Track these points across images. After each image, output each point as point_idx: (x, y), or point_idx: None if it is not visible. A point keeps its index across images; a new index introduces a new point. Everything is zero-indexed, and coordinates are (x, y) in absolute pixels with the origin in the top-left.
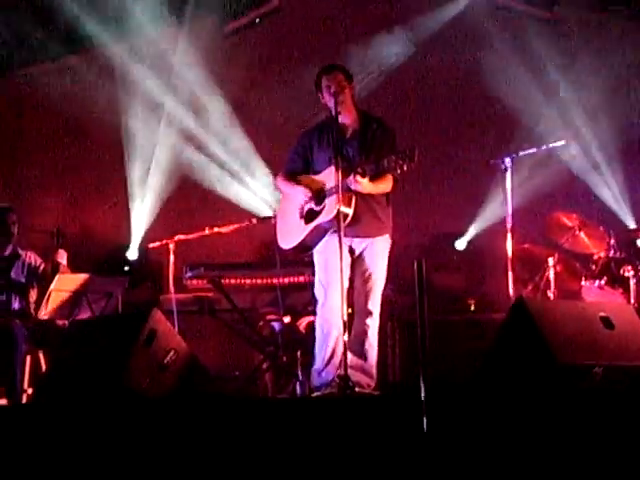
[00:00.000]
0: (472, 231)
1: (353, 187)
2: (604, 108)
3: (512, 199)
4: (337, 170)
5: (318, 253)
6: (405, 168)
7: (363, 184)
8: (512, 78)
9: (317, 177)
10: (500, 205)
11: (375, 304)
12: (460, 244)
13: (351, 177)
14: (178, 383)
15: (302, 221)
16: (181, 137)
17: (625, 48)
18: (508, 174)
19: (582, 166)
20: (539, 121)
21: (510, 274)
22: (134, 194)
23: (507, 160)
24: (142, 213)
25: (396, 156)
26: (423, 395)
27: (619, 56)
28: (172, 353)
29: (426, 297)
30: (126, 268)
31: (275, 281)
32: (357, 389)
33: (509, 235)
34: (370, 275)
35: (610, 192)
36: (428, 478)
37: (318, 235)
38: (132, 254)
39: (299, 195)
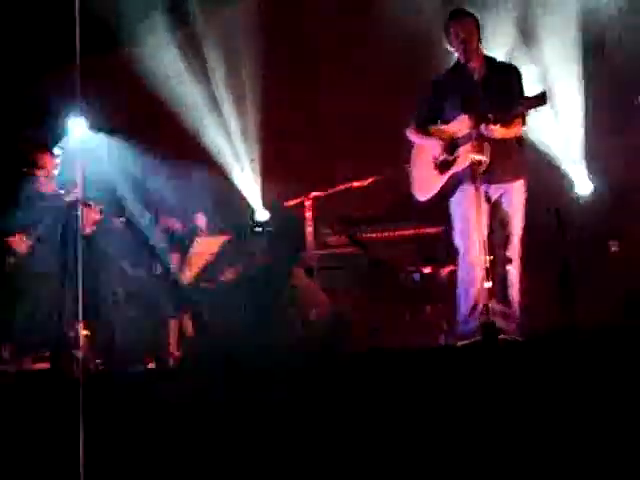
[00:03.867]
0: None
1: (486, 133)
2: None
3: None
4: (470, 118)
5: (455, 203)
6: (536, 111)
7: (495, 130)
8: None
9: (448, 126)
10: None
11: (515, 250)
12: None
13: (483, 124)
14: (322, 339)
15: (436, 172)
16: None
17: None
18: None
19: None
20: None
21: None
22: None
23: None
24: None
25: (527, 100)
26: (568, 340)
27: None
28: (315, 310)
29: (568, 242)
30: (258, 229)
31: (413, 232)
32: (502, 336)
33: None
34: (508, 221)
35: None
36: (578, 423)
37: (454, 185)
38: (261, 215)
39: (432, 146)
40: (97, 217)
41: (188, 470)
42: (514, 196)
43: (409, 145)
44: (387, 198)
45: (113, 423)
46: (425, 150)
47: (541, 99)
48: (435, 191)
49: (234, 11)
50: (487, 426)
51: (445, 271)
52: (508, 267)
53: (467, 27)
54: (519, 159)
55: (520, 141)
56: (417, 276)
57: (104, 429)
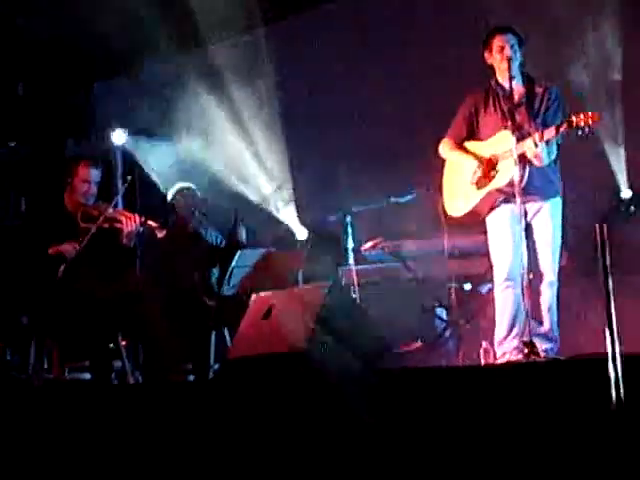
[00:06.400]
0: None
1: (527, 151)
2: None
3: None
4: (512, 135)
5: (492, 219)
6: (580, 133)
7: (537, 148)
8: None
9: (486, 142)
10: None
11: (553, 268)
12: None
13: (525, 141)
14: (360, 356)
15: (473, 187)
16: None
17: None
18: None
19: None
20: None
21: None
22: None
23: None
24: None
25: (570, 119)
26: (611, 362)
27: None
28: (352, 326)
29: (609, 262)
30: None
31: (453, 248)
32: (542, 354)
33: None
34: (546, 239)
35: None
36: (616, 449)
37: (491, 201)
38: (301, 234)
39: (468, 162)
40: (135, 227)
41: None
42: (551, 213)
43: (441, 161)
44: (428, 214)
45: (151, 435)
46: (460, 166)
47: (584, 120)
48: (470, 207)
49: None
50: (526, 447)
51: (485, 288)
52: (546, 285)
53: (511, 42)
54: (556, 177)
55: (556, 159)
56: (457, 292)
57: (142, 441)
